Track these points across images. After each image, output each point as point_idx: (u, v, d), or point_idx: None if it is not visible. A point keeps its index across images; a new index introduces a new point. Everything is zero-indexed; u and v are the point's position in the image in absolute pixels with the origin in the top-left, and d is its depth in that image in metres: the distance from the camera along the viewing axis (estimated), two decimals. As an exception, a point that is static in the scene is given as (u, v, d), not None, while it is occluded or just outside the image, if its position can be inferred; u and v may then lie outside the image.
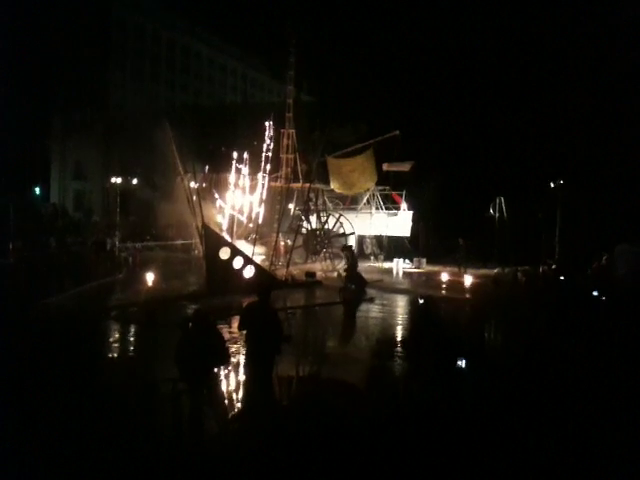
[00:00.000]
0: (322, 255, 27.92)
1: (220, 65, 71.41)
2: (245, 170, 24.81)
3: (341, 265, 24.11)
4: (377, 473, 6.60)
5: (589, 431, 7.72)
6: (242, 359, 10.71)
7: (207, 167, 26.30)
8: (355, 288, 20.96)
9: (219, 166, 26.55)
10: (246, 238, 23.97)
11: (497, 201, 36.66)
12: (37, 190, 47.67)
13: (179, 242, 34.02)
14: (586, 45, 36.67)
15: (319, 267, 26.39)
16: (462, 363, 9.00)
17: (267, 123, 25.52)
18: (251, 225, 24.52)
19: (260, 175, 24.69)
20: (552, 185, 30.51)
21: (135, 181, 37.16)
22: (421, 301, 11.95)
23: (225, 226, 23.72)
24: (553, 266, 27.32)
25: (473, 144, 36.85)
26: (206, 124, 40.30)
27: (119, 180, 36.39)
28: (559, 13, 35.85)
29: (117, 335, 14.40)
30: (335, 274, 23.80)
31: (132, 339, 14.15)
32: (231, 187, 24.32)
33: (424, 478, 6.66)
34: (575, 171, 32.30)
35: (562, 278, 22.96)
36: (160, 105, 58.27)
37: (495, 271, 26.47)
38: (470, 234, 32.96)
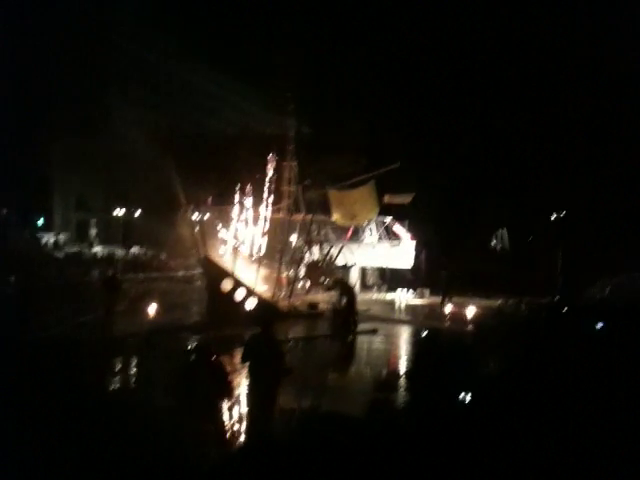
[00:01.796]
0: (324, 286, 27.84)
1: (221, 98, 72.19)
2: (248, 202, 24.96)
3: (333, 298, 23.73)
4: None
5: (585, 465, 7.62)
6: (244, 391, 10.63)
7: (210, 199, 26.43)
8: (341, 322, 20.74)
9: (222, 198, 26.70)
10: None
11: (499, 232, 36.78)
12: (40, 221, 47.93)
13: (181, 273, 34.04)
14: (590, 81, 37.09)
15: (321, 298, 26.30)
16: (465, 397, 8.96)
17: (269, 156, 25.74)
18: (254, 257, 24.55)
19: (262, 207, 24.83)
20: (554, 216, 30.62)
21: (138, 212, 37.36)
22: (424, 334, 11.94)
23: (227, 258, 23.75)
24: (556, 297, 27.29)
25: (475, 175, 37.04)
26: (209, 156, 40.63)
27: (122, 212, 36.58)
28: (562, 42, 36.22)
29: (118, 366, 14.31)
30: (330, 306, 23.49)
31: (133, 370, 14.06)
32: (234, 219, 24.43)
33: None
34: (578, 203, 32.41)
35: (565, 309, 22.91)
36: (162, 136, 58.71)
37: (498, 303, 26.40)
38: (471, 265, 32.98)
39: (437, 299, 29.37)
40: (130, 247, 38.24)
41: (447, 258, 30.39)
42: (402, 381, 12.57)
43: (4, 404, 9.24)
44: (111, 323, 17.95)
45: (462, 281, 29.50)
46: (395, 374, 13.57)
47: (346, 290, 22.14)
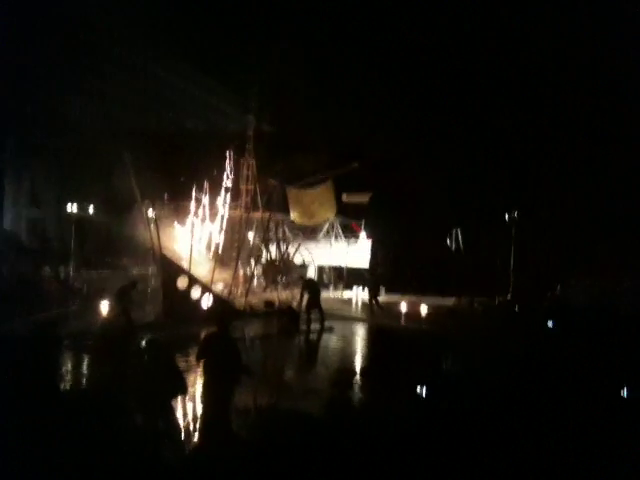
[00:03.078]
0: (281, 285, 27.83)
1: (183, 91, 71.41)
2: (205, 199, 24.76)
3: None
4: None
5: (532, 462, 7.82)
6: (199, 389, 10.56)
7: (166, 196, 26.11)
8: (287, 320, 20.71)
9: (178, 195, 26.40)
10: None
11: (454, 232, 37.30)
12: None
13: (135, 271, 33.50)
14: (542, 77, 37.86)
15: (278, 297, 26.27)
16: (421, 390, 9.10)
17: (227, 152, 25.58)
18: (210, 254, 24.36)
19: (219, 204, 24.67)
20: (507, 217, 31.18)
21: (91, 209, 36.63)
22: (378, 331, 12.09)
23: (184, 255, 23.50)
24: (509, 297, 27.87)
25: (430, 175, 37.47)
26: (166, 151, 40.10)
27: (75, 208, 35.80)
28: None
29: (70, 365, 14.03)
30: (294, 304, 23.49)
31: (86, 370, 13.81)
32: (190, 216, 24.18)
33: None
34: (530, 203, 33.11)
35: (517, 309, 23.44)
36: (119, 129, 57.72)
37: (452, 302, 26.84)
38: (425, 265, 33.42)
39: (393, 298, 29.68)
40: (83, 244, 37.40)
41: (377, 263, 30.45)
42: (357, 378, 12.66)
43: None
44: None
45: (416, 280, 29.87)
46: (351, 371, 13.65)
47: (309, 286, 22.02)
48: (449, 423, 8.60)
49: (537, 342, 15.08)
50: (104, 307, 20.74)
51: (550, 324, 18.11)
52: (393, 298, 29.82)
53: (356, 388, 12.01)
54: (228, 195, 25.26)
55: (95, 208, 35.28)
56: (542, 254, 30.74)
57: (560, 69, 35.97)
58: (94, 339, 16.52)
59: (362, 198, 33.45)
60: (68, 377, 12.85)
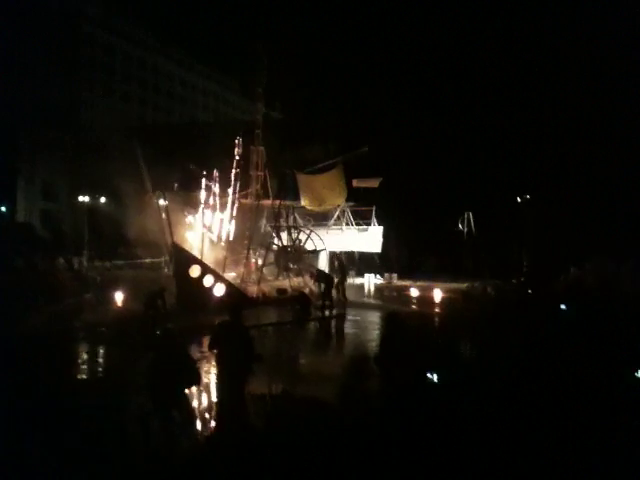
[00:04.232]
0: (293, 272, 27.85)
1: (191, 84, 71.45)
2: (215, 188, 24.76)
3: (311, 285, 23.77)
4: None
5: (552, 451, 7.80)
6: (213, 379, 10.63)
7: (176, 185, 26.14)
8: (299, 308, 20.88)
9: (189, 184, 26.42)
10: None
11: (465, 216, 37.16)
12: (3, 208, 46.88)
13: (148, 260, 33.71)
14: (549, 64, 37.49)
15: (290, 284, 26.33)
16: (433, 376, 9.08)
17: (236, 140, 25.51)
18: (222, 243, 24.41)
19: (230, 192, 24.67)
20: (519, 200, 31.02)
21: (103, 199, 36.78)
22: (391, 316, 12.06)
23: (195, 244, 23.57)
24: (522, 280, 27.74)
25: (441, 159, 37.30)
26: (177, 142, 40.15)
27: (87, 199, 36.00)
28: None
29: (85, 356, 14.16)
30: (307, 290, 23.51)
31: (101, 360, 13.94)
32: (201, 205, 24.22)
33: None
34: (542, 185, 32.89)
35: (530, 292, 23.32)
36: (130, 123, 57.94)
37: (465, 285, 26.76)
38: (439, 248, 33.34)
39: (405, 283, 29.65)
40: (96, 235, 37.60)
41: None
42: (369, 364, 12.68)
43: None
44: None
45: (428, 265, 29.80)
46: (365, 357, 13.65)
47: (324, 277, 22.26)
48: (462, 411, 8.59)
49: (551, 326, 15.00)
50: (118, 297, 20.95)
51: (563, 307, 18.00)
52: (405, 283, 29.82)
53: (368, 374, 12.02)
54: (238, 182, 25.21)
55: (107, 199, 35.47)
56: (555, 236, 30.54)
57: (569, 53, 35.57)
58: (108, 329, 16.64)
59: (372, 183, 33.26)
60: (81, 367, 12.97)
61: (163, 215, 21.41)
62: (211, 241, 24.44)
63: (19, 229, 45.28)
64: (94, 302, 22.22)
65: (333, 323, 19.01)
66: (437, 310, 21.57)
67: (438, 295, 24.13)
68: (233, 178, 24.86)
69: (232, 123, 52.87)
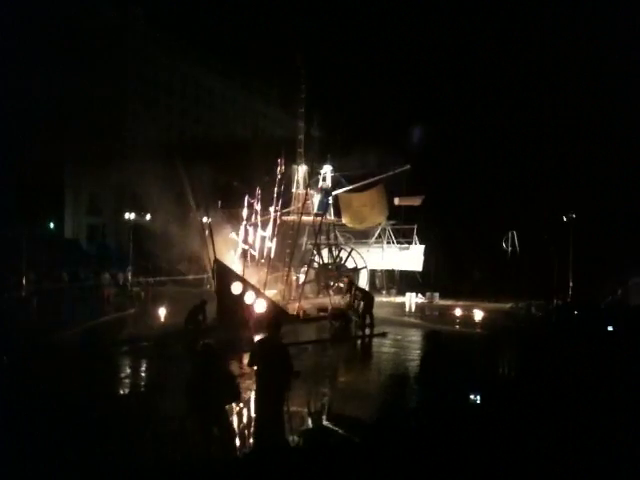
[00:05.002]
0: (333, 289, 27.80)
1: (232, 98, 72.42)
2: (257, 205, 25.00)
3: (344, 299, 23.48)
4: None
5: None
6: (253, 395, 10.64)
7: (220, 202, 26.47)
8: (340, 326, 20.82)
9: (231, 201, 26.74)
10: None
11: (510, 235, 36.60)
12: (51, 225, 48.11)
13: (191, 277, 34.09)
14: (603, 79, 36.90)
15: (330, 301, 26.27)
16: (475, 397, 8.91)
17: (279, 160, 25.71)
18: (263, 260, 24.55)
19: (272, 210, 24.86)
20: (565, 219, 30.41)
21: (149, 216, 37.43)
22: (433, 335, 11.90)
23: (237, 261, 23.78)
24: (568, 300, 27.12)
25: (485, 177, 36.92)
26: (218, 157, 40.70)
27: (132, 215, 36.68)
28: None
29: (128, 369, 14.35)
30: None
31: (143, 373, 14.09)
32: (243, 222, 24.47)
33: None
34: (587, 204, 32.22)
35: (576, 312, 22.77)
36: (173, 137, 58.96)
37: (509, 306, 26.29)
38: (482, 268, 32.88)
39: (447, 302, 29.28)
40: (141, 251, 38.21)
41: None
42: (412, 384, 12.51)
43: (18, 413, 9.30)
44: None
45: (471, 284, 29.38)
46: (405, 377, 13.50)
47: (364, 295, 22.09)
48: (503, 431, 8.39)
49: (598, 348, 14.59)
50: (161, 312, 21.28)
51: (610, 328, 17.50)
52: (447, 302, 29.46)
53: (408, 393, 11.87)
54: (280, 200, 25.41)
55: (151, 215, 36.07)
56: (600, 255, 29.83)
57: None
58: (150, 343, 16.86)
59: (414, 201, 33.11)
60: (123, 381, 13.12)
61: (206, 232, 21.67)
62: (253, 258, 24.62)
63: (66, 245, 46.43)
64: (138, 317, 22.58)
65: (373, 341, 18.84)
66: (480, 330, 21.19)
67: (481, 315, 23.74)
68: (275, 196, 25.07)
69: (273, 139, 53.28)
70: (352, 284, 23.42)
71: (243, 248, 24.06)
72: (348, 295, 22.23)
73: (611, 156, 35.08)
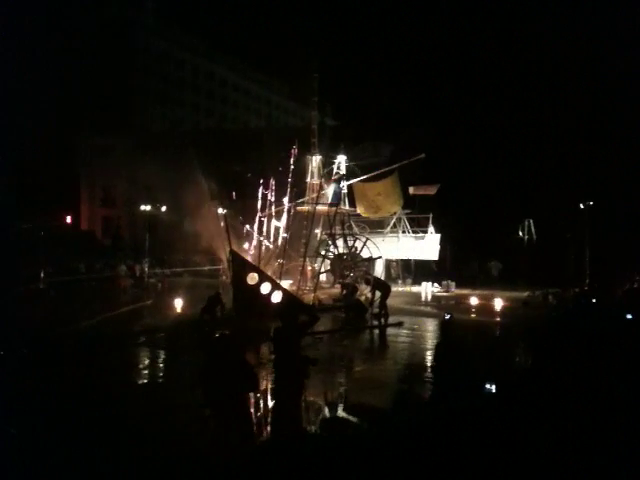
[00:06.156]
0: (349, 279, 27.75)
1: (244, 89, 72.37)
2: (271, 196, 25.02)
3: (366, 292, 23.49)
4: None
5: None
6: (269, 384, 10.69)
7: (234, 194, 26.49)
8: (355, 315, 20.84)
9: (245, 192, 26.78)
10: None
11: (526, 223, 36.35)
12: (68, 218, 48.46)
13: (207, 268, 34.24)
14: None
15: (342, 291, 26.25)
16: (490, 386, 8.86)
17: (292, 150, 25.63)
18: (278, 250, 24.59)
19: (286, 201, 24.85)
20: (582, 206, 30.13)
21: (164, 208, 37.57)
22: (447, 317, 11.87)
23: (253, 251, 23.84)
24: (585, 288, 26.90)
25: (500, 165, 36.64)
26: (232, 148, 40.76)
27: (148, 207, 36.83)
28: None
29: (145, 360, 14.45)
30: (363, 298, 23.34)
31: (160, 364, 14.18)
32: (258, 213, 24.52)
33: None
34: (605, 191, 31.88)
35: (594, 301, 22.57)
36: (186, 129, 59.12)
37: (525, 294, 26.11)
38: (498, 256, 32.68)
39: (463, 291, 29.17)
40: (156, 242, 38.40)
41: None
42: (427, 374, 12.49)
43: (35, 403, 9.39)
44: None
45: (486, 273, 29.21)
46: (421, 367, 13.48)
47: (380, 284, 22.07)
48: (521, 422, 8.34)
49: (617, 337, 14.43)
50: (177, 303, 21.44)
51: (629, 316, 17.32)
52: (463, 291, 29.34)
53: (424, 383, 11.84)
54: (294, 190, 25.39)
55: (166, 206, 36.22)
56: (618, 243, 29.52)
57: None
58: (166, 334, 16.99)
59: (429, 190, 32.91)
60: (139, 372, 13.21)
61: (221, 223, 21.72)
62: (268, 249, 24.65)
63: (82, 237, 46.80)
64: (154, 308, 22.75)
65: (389, 331, 18.81)
66: (496, 319, 21.09)
67: (497, 304, 23.62)
68: (289, 187, 25.04)
69: (286, 129, 53.18)
70: (369, 280, 23.31)
71: (258, 239, 24.10)
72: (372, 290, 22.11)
73: (629, 144, 34.64)
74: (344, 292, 23.24)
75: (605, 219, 30.41)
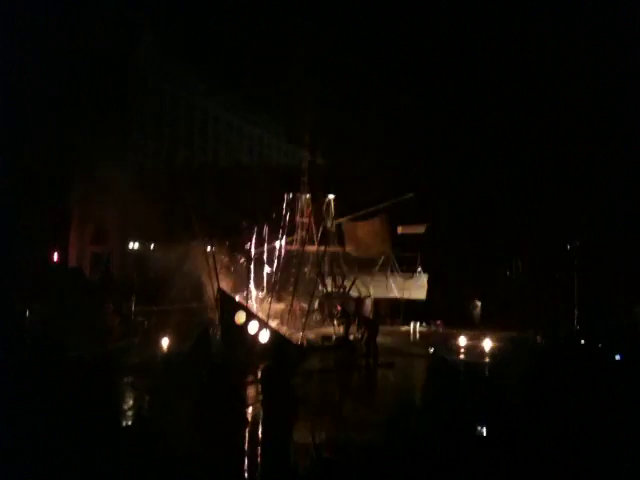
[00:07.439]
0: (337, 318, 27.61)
1: (237, 128, 72.95)
2: (261, 234, 25.12)
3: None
4: None
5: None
6: (258, 423, 10.55)
7: (223, 232, 26.49)
8: (344, 353, 20.71)
9: (236, 231, 26.82)
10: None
11: (514, 263, 36.51)
12: (55, 256, 48.01)
13: (195, 305, 33.96)
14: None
15: (334, 331, 26.11)
16: (481, 429, 8.82)
17: (285, 195, 25.78)
18: (266, 289, 24.56)
19: (277, 243, 24.99)
20: (569, 247, 30.37)
21: (152, 246, 37.45)
22: (438, 365, 11.84)
23: (241, 290, 23.77)
24: (574, 329, 26.95)
25: (488, 205, 36.97)
26: (223, 187, 40.93)
27: (137, 245, 36.70)
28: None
29: (130, 400, 14.23)
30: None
31: (145, 403, 13.97)
32: (248, 250, 24.57)
33: None
34: (592, 232, 32.17)
35: (583, 342, 22.61)
36: (178, 166, 59.28)
37: (514, 334, 26.10)
38: (486, 296, 32.75)
39: (452, 331, 29.11)
40: (144, 279, 38.18)
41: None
42: (418, 414, 12.38)
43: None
44: None
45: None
46: (411, 407, 13.36)
47: (367, 322, 22.00)
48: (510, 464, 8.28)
49: (604, 379, 14.43)
50: (164, 341, 21.24)
51: (618, 357, 17.36)
52: (451, 331, 29.28)
53: (413, 423, 11.73)
54: (284, 230, 25.52)
55: (155, 244, 36.12)
56: (606, 283, 29.69)
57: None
58: (155, 373, 16.78)
59: (418, 229, 33.11)
60: (124, 412, 13.00)
61: (210, 260, 21.68)
62: (256, 287, 24.59)
63: (69, 274, 46.35)
64: (141, 346, 22.49)
65: (377, 371, 18.69)
66: (485, 360, 21.03)
67: (486, 344, 23.58)
68: (281, 228, 25.19)
69: (277, 168, 53.52)
70: (345, 311, 23.36)
71: (247, 277, 24.08)
72: (340, 322, 22.14)
73: (614, 183, 35.10)
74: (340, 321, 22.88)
75: (593, 259, 30.58)
